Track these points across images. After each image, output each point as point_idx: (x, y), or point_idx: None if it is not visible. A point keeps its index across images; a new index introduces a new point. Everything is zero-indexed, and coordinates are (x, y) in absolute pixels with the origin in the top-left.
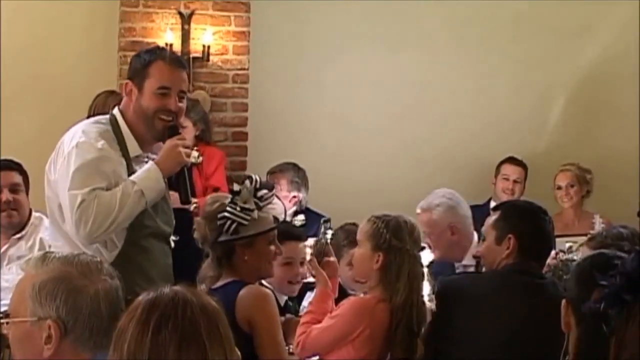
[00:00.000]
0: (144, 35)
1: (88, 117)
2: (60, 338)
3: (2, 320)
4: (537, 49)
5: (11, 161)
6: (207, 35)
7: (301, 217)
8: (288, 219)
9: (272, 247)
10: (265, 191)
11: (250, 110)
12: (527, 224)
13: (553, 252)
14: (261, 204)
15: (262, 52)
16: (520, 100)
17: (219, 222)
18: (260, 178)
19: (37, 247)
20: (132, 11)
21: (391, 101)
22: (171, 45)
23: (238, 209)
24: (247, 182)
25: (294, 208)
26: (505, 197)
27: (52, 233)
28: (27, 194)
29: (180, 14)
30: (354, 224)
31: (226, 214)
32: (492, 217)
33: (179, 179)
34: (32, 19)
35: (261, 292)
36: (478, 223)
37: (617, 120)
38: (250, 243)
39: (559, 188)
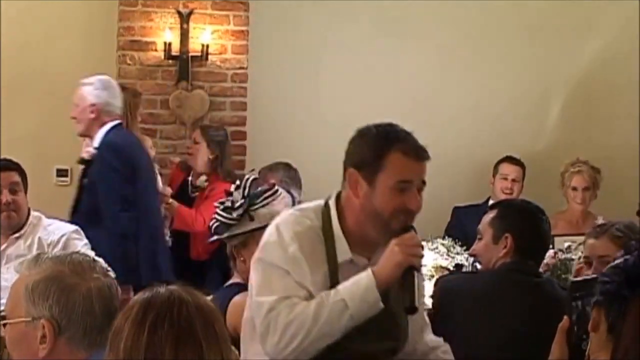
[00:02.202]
0: (142, 35)
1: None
2: (54, 337)
3: None
4: (536, 48)
5: (10, 161)
6: (205, 35)
7: None
8: None
9: None
10: (262, 189)
11: (249, 110)
12: (524, 223)
13: (552, 252)
14: (255, 204)
15: (261, 51)
16: (518, 99)
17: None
18: (255, 179)
19: (35, 246)
20: (131, 10)
21: (389, 100)
22: (170, 44)
23: (221, 208)
24: (238, 182)
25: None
26: (503, 197)
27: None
28: (25, 193)
29: (179, 13)
30: None
31: (214, 214)
32: (489, 216)
33: (405, 282)
34: (31, 18)
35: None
36: (477, 223)
37: (616, 120)
38: (243, 244)
39: (575, 189)
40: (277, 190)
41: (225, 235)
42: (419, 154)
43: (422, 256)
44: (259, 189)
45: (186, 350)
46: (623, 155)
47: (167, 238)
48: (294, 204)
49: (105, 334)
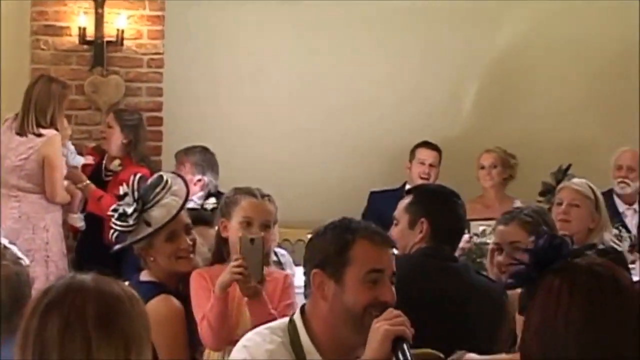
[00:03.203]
0: (57, 19)
1: (26, 105)
2: None
3: None
4: (450, 32)
5: None
6: (121, 19)
7: (212, 200)
8: (199, 202)
9: (180, 242)
10: (152, 183)
11: (165, 95)
12: (439, 208)
13: (467, 236)
14: (149, 203)
15: (177, 36)
16: (434, 85)
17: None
18: (141, 177)
19: None
20: None
21: (305, 85)
22: (84, 29)
23: (116, 216)
24: (126, 186)
25: (202, 192)
26: (420, 182)
27: None
28: None
29: None
30: None
31: (111, 224)
32: (405, 201)
33: (397, 353)
34: None
35: (161, 314)
36: (393, 208)
37: (530, 104)
38: (149, 244)
39: (482, 168)
40: (166, 182)
41: (128, 242)
42: (386, 239)
43: (408, 327)
44: (148, 183)
45: (73, 340)
46: (536, 139)
47: (81, 222)
48: (209, 186)
49: (14, 321)
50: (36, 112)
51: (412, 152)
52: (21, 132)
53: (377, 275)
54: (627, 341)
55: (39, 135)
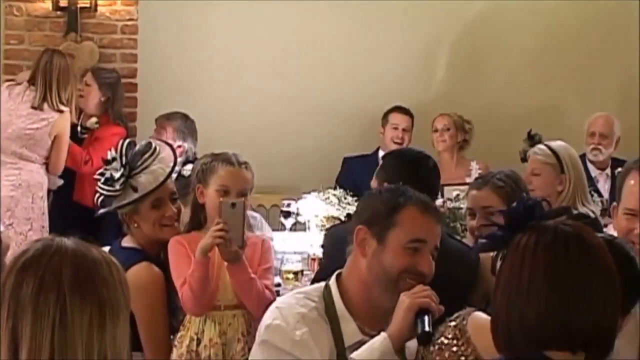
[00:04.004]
0: None
1: (47, 80)
2: None
3: None
4: (425, 2)
5: None
6: None
7: (189, 167)
8: (177, 168)
9: (165, 209)
10: (140, 150)
11: (139, 62)
12: (404, 171)
13: (440, 201)
14: (136, 169)
15: (151, 2)
16: (406, 51)
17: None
18: (130, 142)
19: None
20: None
21: (280, 50)
22: None
23: (102, 180)
24: (114, 151)
25: (181, 158)
26: (394, 147)
27: None
28: None
29: None
30: None
31: (97, 188)
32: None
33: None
34: None
35: (142, 281)
36: (367, 173)
37: (501, 71)
38: (133, 210)
39: (436, 130)
40: (154, 149)
41: (113, 207)
42: (435, 213)
43: (434, 300)
44: (136, 149)
45: (47, 299)
46: (508, 105)
47: (60, 182)
48: (187, 154)
49: None
50: (59, 88)
51: (385, 117)
52: (38, 106)
53: (420, 244)
54: (591, 302)
55: (59, 111)
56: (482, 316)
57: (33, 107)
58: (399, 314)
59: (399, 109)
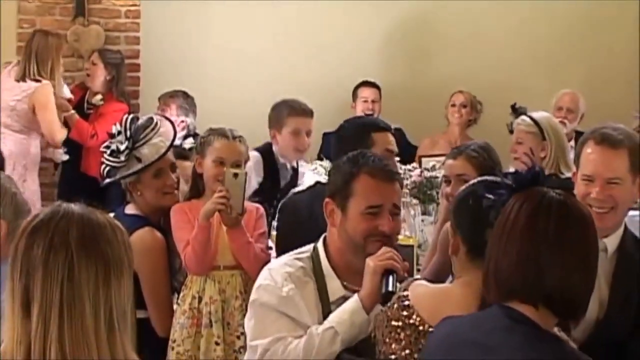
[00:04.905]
0: None
1: (27, 56)
2: None
3: None
4: None
5: None
6: None
7: (190, 140)
8: (179, 141)
9: (166, 178)
10: (142, 124)
11: (142, 44)
12: (359, 140)
13: (418, 171)
14: (139, 142)
15: None
16: (376, 31)
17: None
18: (133, 117)
19: None
20: None
21: (274, 34)
22: None
23: (108, 153)
24: (118, 125)
25: (183, 132)
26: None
27: None
28: None
29: None
30: None
31: (102, 158)
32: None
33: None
34: None
35: (145, 244)
36: None
37: (469, 50)
38: (138, 179)
39: (453, 105)
40: (156, 124)
41: (118, 177)
42: (388, 175)
43: (397, 261)
44: (139, 123)
45: (56, 259)
46: (477, 81)
47: (65, 156)
48: (188, 129)
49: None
50: (37, 62)
51: (354, 92)
52: (20, 79)
53: (376, 210)
54: (560, 267)
55: (37, 81)
56: (421, 284)
57: (16, 80)
58: (367, 278)
59: (365, 83)
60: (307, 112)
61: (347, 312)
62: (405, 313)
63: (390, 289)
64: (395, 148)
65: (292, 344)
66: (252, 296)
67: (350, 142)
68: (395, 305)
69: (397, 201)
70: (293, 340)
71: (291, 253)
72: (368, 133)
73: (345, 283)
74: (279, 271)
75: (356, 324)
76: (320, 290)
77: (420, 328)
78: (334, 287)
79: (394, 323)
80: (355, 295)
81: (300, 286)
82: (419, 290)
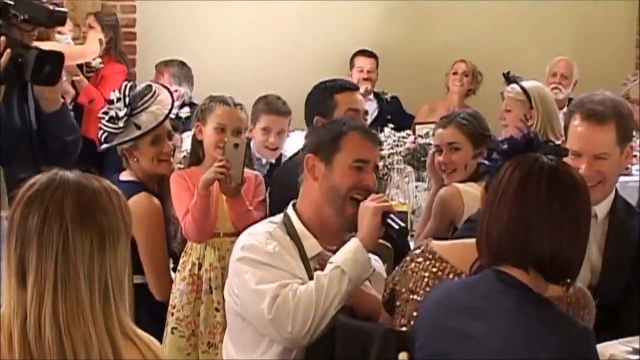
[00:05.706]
0: None
1: None
2: None
3: None
4: None
5: None
6: None
7: (186, 109)
8: (174, 111)
9: (163, 145)
10: (140, 91)
11: (138, 12)
12: (327, 103)
13: (412, 137)
14: (137, 109)
15: None
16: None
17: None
18: (132, 85)
19: None
20: None
21: (268, 1)
22: None
23: (106, 119)
24: (117, 91)
25: (177, 102)
26: (363, 86)
27: None
28: None
29: None
30: None
31: (100, 124)
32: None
33: (385, 223)
34: None
35: (142, 210)
36: None
37: (452, 16)
38: (133, 146)
39: (455, 73)
40: (154, 91)
41: (115, 142)
42: (374, 137)
43: (391, 205)
44: (137, 90)
45: (51, 229)
46: (469, 49)
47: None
48: (184, 97)
49: None
50: None
51: (352, 61)
52: None
53: (363, 164)
54: (550, 231)
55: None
56: (440, 242)
57: None
58: (366, 220)
59: (362, 52)
60: (281, 112)
61: (350, 252)
62: (436, 264)
63: (401, 224)
64: (360, 106)
65: (300, 288)
66: (239, 255)
67: (315, 105)
68: (420, 259)
69: (378, 163)
70: (298, 285)
71: (263, 221)
72: (330, 95)
73: (319, 242)
74: (260, 232)
75: (360, 261)
76: (299, 249)
77: (451, 275)
78: (310, 244)
79: (424, 274)
80: (354, 239)
81: (282, 243)
82: (443, 244)
